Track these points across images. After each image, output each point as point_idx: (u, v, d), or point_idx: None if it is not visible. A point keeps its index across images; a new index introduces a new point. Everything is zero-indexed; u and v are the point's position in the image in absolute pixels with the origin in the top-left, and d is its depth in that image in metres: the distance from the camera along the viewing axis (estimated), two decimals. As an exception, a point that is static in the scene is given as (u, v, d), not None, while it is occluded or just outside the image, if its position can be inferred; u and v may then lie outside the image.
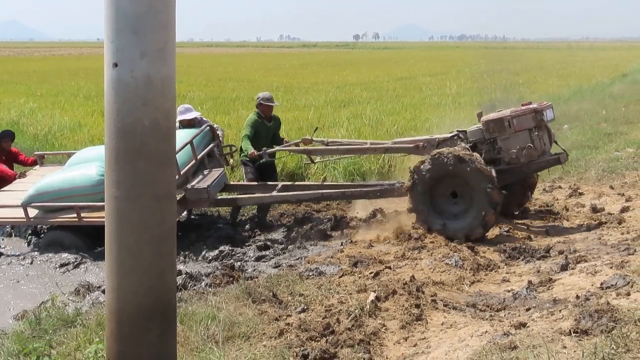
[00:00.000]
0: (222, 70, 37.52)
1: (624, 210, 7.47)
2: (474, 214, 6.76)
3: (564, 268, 5.41)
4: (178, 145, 7.60)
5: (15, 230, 8.51)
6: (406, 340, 4.21)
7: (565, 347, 3.38)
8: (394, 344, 4.19)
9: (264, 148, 8.28)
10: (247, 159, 8.49)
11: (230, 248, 7.46)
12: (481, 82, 25.86)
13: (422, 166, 6.97)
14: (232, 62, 51.63)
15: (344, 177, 9.81)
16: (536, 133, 7.12)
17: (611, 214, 7.38)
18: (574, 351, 3.30)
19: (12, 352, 4.35)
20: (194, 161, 7.98)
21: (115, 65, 2.88)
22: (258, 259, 7.21)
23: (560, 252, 6.02)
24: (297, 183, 8.84)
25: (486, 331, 4.02)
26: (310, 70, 37.70)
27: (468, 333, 4.10)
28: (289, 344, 4.09)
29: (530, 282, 5.09)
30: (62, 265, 7.18)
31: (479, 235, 6.79)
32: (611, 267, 5.02)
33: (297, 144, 8.60)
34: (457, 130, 7.57)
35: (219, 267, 6.59)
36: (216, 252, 7.35)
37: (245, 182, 8.66)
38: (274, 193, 8.11)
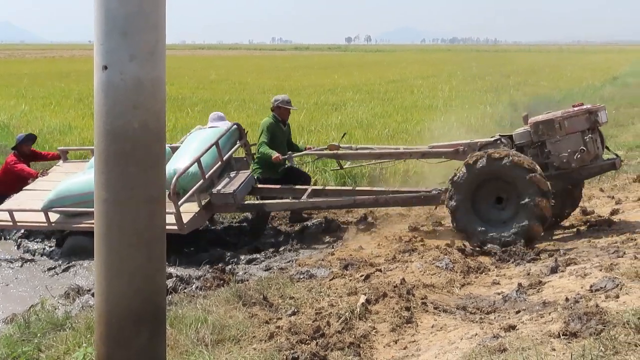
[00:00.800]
0: (214, 73, 37.44)
1: (614, 212, 7.51)
2: (527, 209, 6.42)
3: (553, 271, 5.42)
4: (203, 146, 7.51)
5: (5, 233, 8.45)
6: (396, 343, 4.21)
7: (554, 350, 3.39)
8: (384, 347, 4.19)
9: (289, 152, 7.90)
10: (269, 175, 8.09)
11: (221, 251, 7.44)
12: (473, 84, 25.96)
13: (458, 175, 6.67)
14: (224, 64, 51.55)
15: (335, 179, 9.79)
16: (590, 135, 6.68)
17: (601, 217, 7.42)
18: (563, 353, 3.32)
19: (0, 356, 4.33)
20: (219, 163, 7.67)
21: (105, 67, 2.87)
22: (249, 262, 7.19)
23: (550, 255, 6.04)
24: (328, 187, 8.37)
25: (476, 334, 4.03)
26: (301, 73, 37.72)
27: (458, 336, 4.11)
28: (279, 347, 4.09)
29: (520, 284, 5.10)
30: (51, 269, 7.15)
31: (541, 229, 6.54)
32: (600, 270, 5.04)
33: (321, 150, 8.23)
34: (500, 135, 7.25)
35: (210, 270, 6.56)
36: (207, 255, 7.34)
37: (273, 186, 8.16)
38: (304, 199, 7.66)
